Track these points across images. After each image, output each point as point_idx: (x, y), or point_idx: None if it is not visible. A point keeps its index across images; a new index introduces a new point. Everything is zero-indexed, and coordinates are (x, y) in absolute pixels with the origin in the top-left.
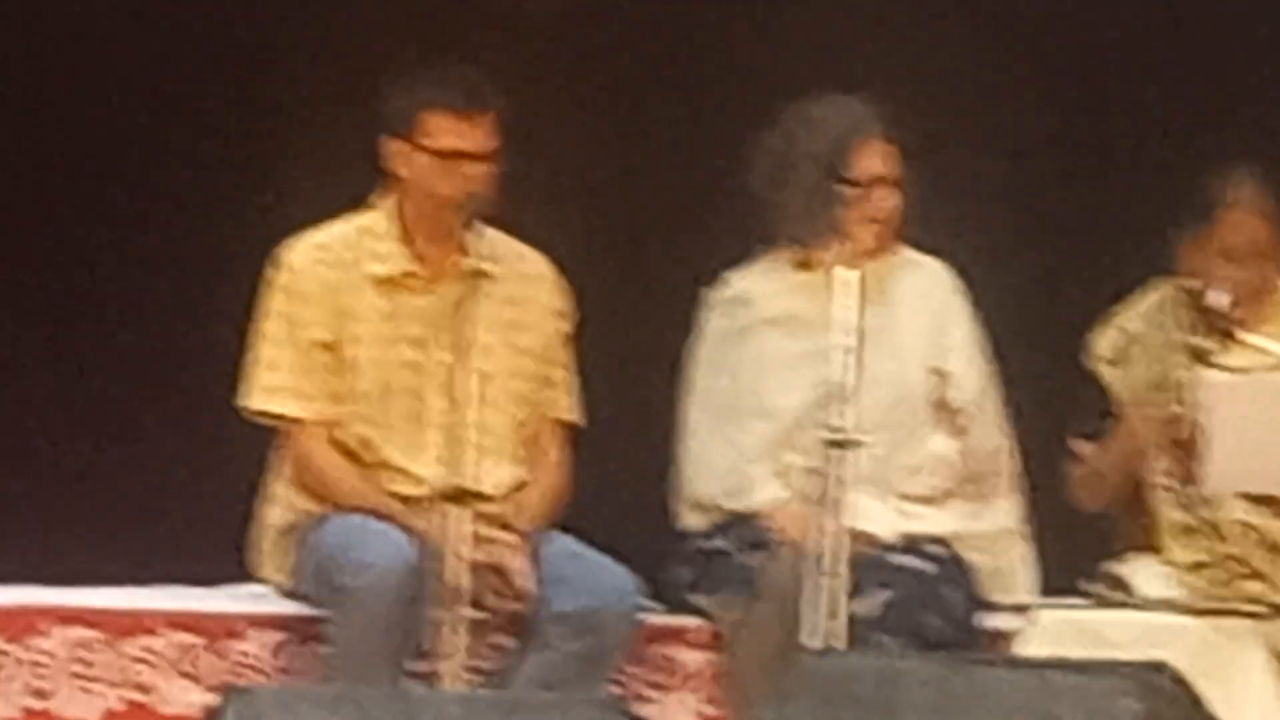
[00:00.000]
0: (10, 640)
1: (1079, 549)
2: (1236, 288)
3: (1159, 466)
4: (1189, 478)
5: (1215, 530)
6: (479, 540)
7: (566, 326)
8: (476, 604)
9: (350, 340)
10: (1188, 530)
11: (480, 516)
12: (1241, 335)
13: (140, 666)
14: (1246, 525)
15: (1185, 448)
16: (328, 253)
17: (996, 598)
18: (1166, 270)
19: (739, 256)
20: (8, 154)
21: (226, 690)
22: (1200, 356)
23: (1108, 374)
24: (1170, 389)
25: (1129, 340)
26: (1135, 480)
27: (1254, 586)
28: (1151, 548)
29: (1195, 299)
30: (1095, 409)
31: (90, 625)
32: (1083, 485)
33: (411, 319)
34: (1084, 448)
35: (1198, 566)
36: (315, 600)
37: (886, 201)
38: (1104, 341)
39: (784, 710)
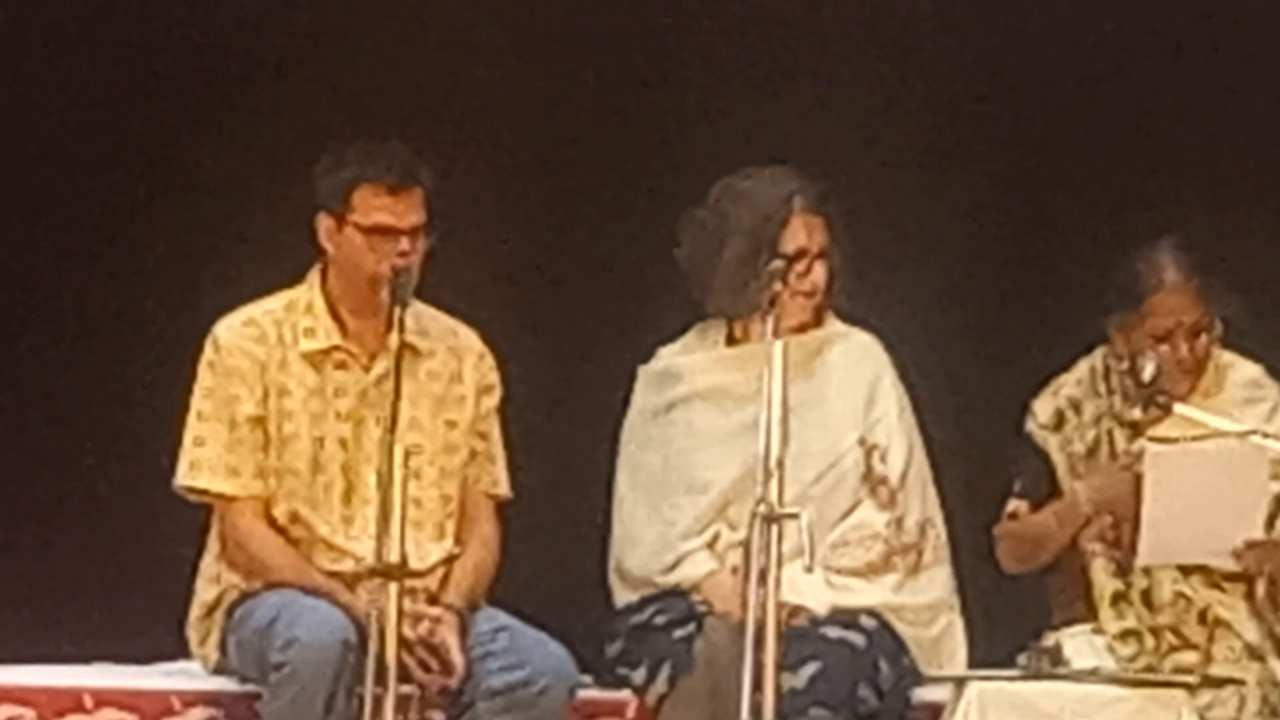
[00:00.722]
0: None
1: (1012, 620)
2: (1170, 368)
3: (1093, 533)
4: (1122, 545)
5: (1148, 600)
6: (410, 615)
7: (496, 401)
8: (408, 679)
9: (281, 416)
10: (1121, 599)
11: (411, 591)
12: (1175, 407)
13: None
14: (1179, 595)
15: (1121, 516)
16: (257, 329)
17: (928, 670)
18: (1103, 338)
19: (669, 331)
20: None
21: None
22: (1136, 428)
23: (1048, 440)
24: (1106, 457)
25: (1069, 407)
26: (1067, 549)
27: (1187, 657)
28: (1085, 618)
29: (1129, 372)
30: (1035, 475)
31: (23, 704)
32: (1009, 546)
33: (341, 394)
34: (1020, 507)
35: (1131, 635)
36: (248, 676)
37: (815, 275)
38: (1044, 408)
39: None
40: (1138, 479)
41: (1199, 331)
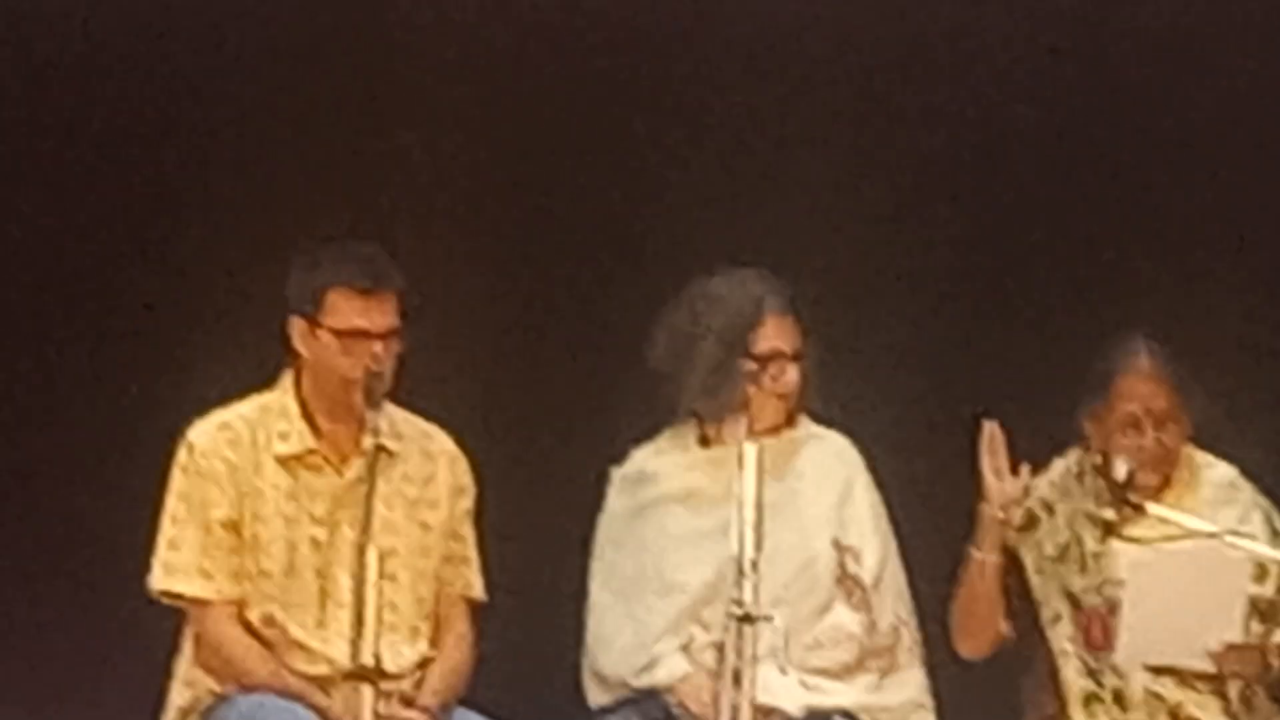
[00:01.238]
0: None
1: (986, 719)
2: (1140, 455)
3: (1063, 632)
4: (1094, 645)
5: (1121, 700)
6: (384, 718)
7: (470, 503)
8: None
9: (254, 519)
10: (1093, 699)
11: (386, 694)
12: (1149, 507)
13: None
14: (1151, 694)
15: (1089, 615)
16: (231, 432)
17: None
18: (1077, 438)
19: (642, 432)
20: None
21: None
22: (1109, 528)
23: (1019, 541)
24: (1078, 558)
25: (1041, 508)
26: (1039, 647)
27: None
28: (1058, 717)
29: (1102, 469)
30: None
31: None
32: (953, 623)
33: (315, 497)
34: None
35: None
36: None
37: (788, 376)
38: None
39: None
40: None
41: (1167, 420)
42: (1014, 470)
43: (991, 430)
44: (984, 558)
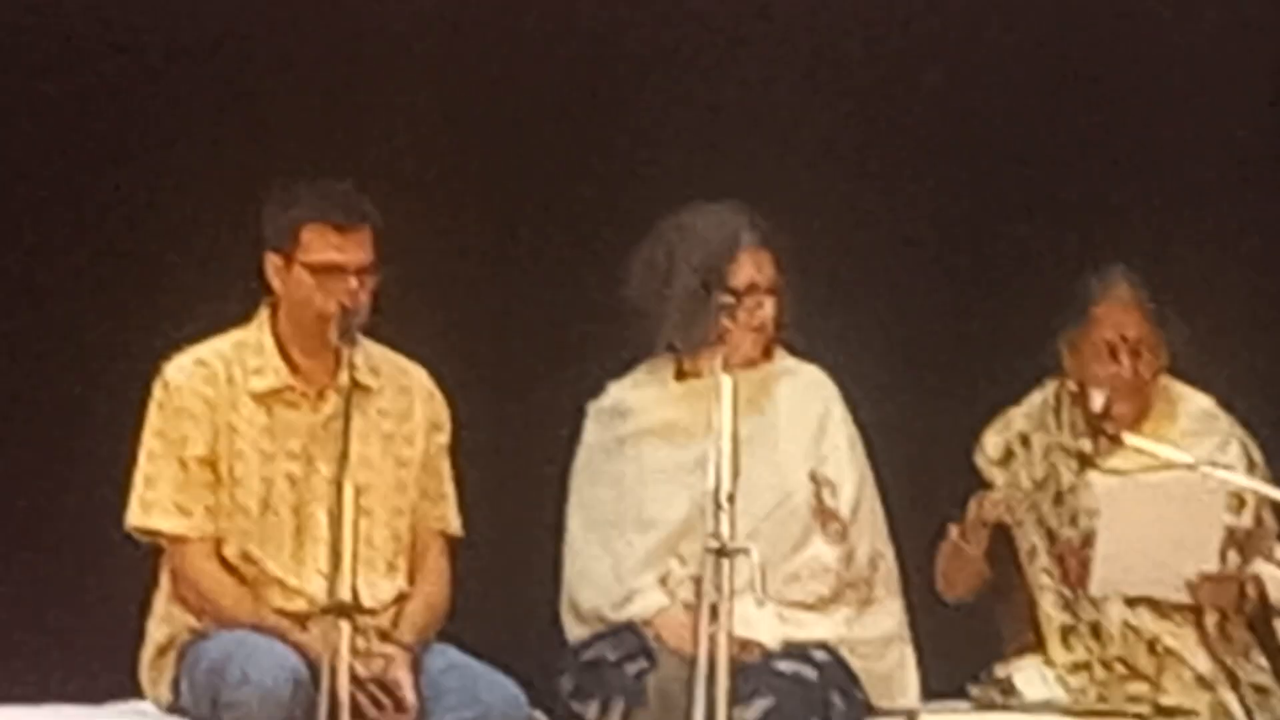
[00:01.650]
0: None
1: (964, 652)
2: (1115, 385)
3: (1040, 566)
4: (1070, 579)
5: (1098, 632)
6: (361, 653)
7: (446, 438)
8: (360, 717)
9: (230, 455)
10: (1070, 631)
11: (363, 630)
12: (1125, 438)
13: None
14: (1128, 626)
15: (1065, 549)
16: (207, 369)
17: (880, 702)
18: (1054, 370)
19: (618, 366)
20: None
21: None
22: (1085, 459)
23: (996, 474)
24: (1055, 490)
25: (1018, 441)
26: (1016, 580)
27: (1138, 687)
28: (1035, 648)
29: (1078, 400)
30: None
31: None
32: (939, 572)
33: (291, 433)
34: (953, 530)
35: (1081, 667)
36: (201, 716)
37: (764, 309)
38: (993, 442)
39: None
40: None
41: (1142, 349)
42: None
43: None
44: (972, 553)
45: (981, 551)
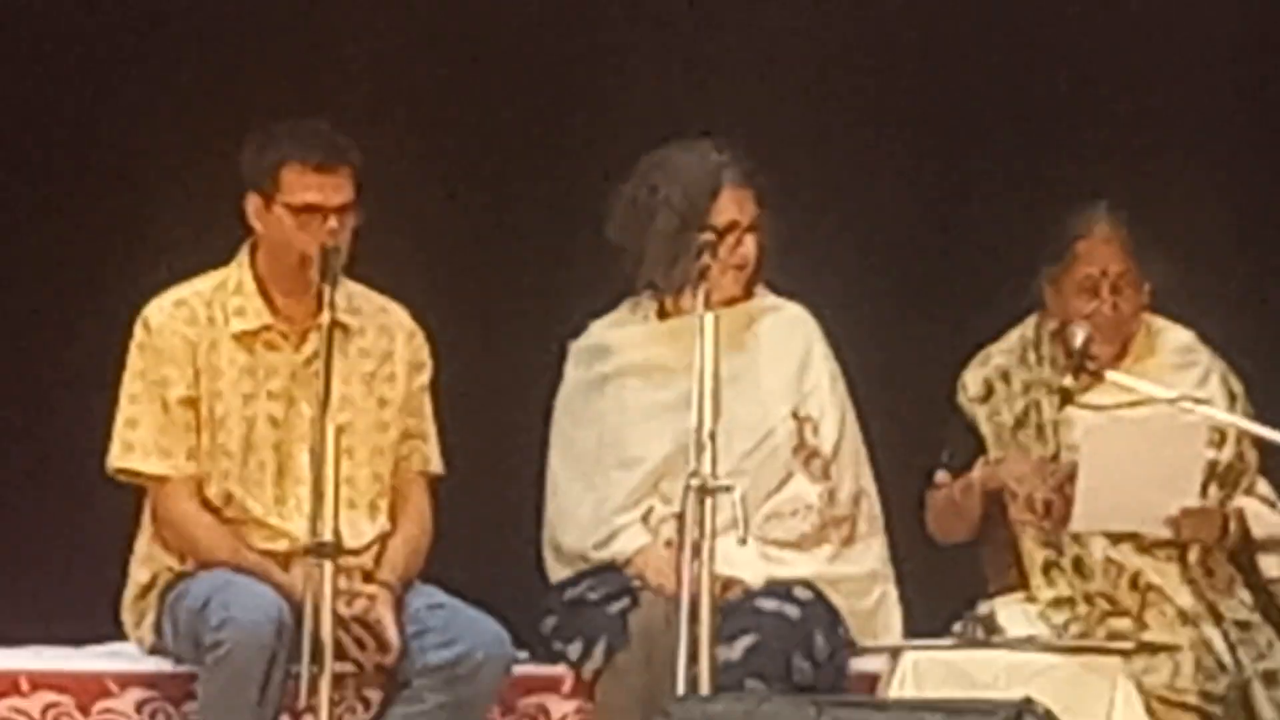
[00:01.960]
0: None
1: (947, 589)
2: (1097, 322)
3: (1024, 504)
4: (1053, 516)
5: (1080, 568)
6: (343, 593)
7: (427, 378)
8: (344, 657)
9: (212, 396)
10: (1053, 568)
11: (345, 570)
12: (1106, 373)
13: None
14: (1110, 562)
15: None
16: (188, 310)
17: (863, 640)
18: (1035, 307)
19: (600, 305)
20: None
21: None
22: (1066, 395)
23: (976, 411)
24: (1036, 426)
25: (998, 377)
26: (999, 518)
27: (1120, 623)
28: (1018, 586)
29: (1059, 336)
30: (962, 447)
31: None
32: (930, 520)
33: (272, 373)
34: (944, 478)
35: (1063, 603)
36: (183, 657)
37: (745, 248)
38: (973, 379)
39: None
40: (1042, 461)
41: (1124, 286)
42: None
43: None
44: (968, 509)
45: (979, 514)
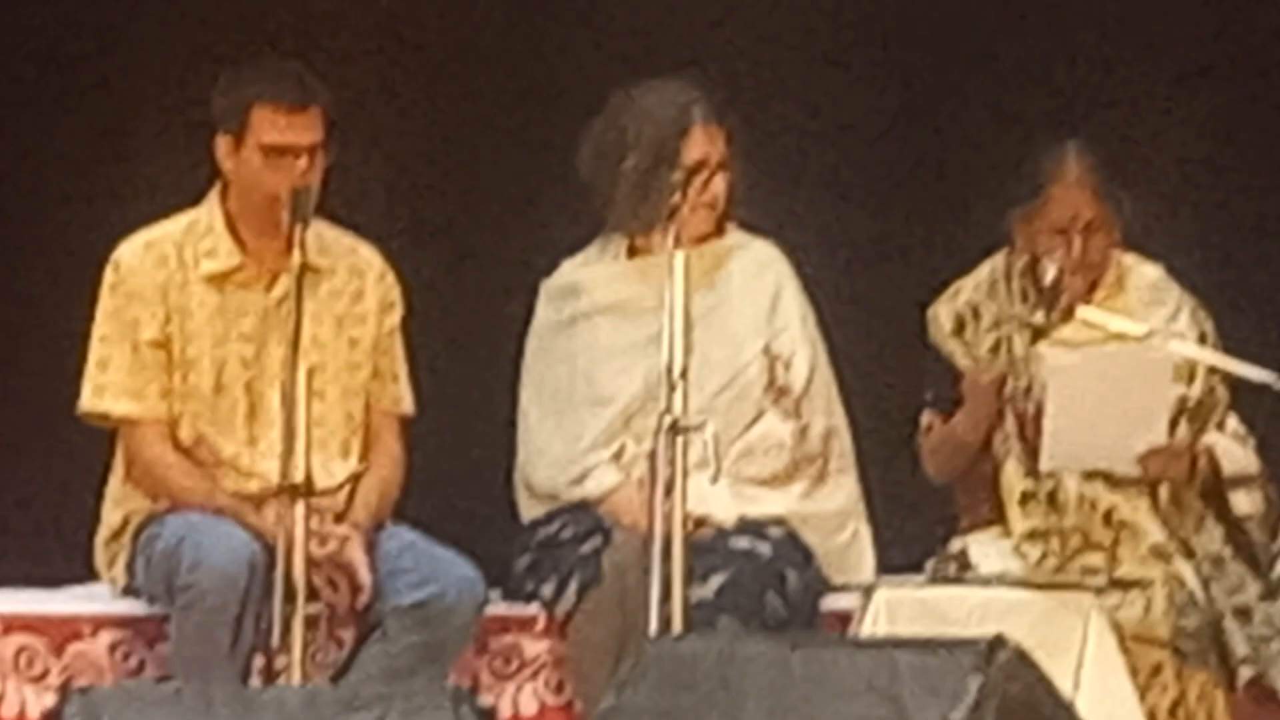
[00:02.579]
0: None
1: (919, 526)
2: (1069, 260)
3: (1004, 433)
4: (1030, 445)
5: (1054, 500)
6: (315, 534)
7: (398, 319)
8: (316, 598)
9: (183, 337)
10: (1030, 498)
11: (317, 511)
12: (1077, 309)
13: None
14: (1083, 497)
15: (1023, 418)
16: (157, 251)
17: (836, 578)
18: (1003, 242)
19: (570, 244)
20: None
21: (67, 691)
22: (1037, 332)
23: (950, 346)
24: (1007, 362)
25: (969, 312)
26: (980, 450)
27: (1093, 558)
28: (992, 520)
29: (1028, 272)
30: (942, 382)
31: None
32: (932, 458)
33: (243, 314)
34: (933, 420)
35: (1038, 536)
36: (156, 598)
37: (715, 185)
38: (945, 313)
39: (625, 695)
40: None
41: (1095, 230)
42: None
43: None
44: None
45: (981, 436)
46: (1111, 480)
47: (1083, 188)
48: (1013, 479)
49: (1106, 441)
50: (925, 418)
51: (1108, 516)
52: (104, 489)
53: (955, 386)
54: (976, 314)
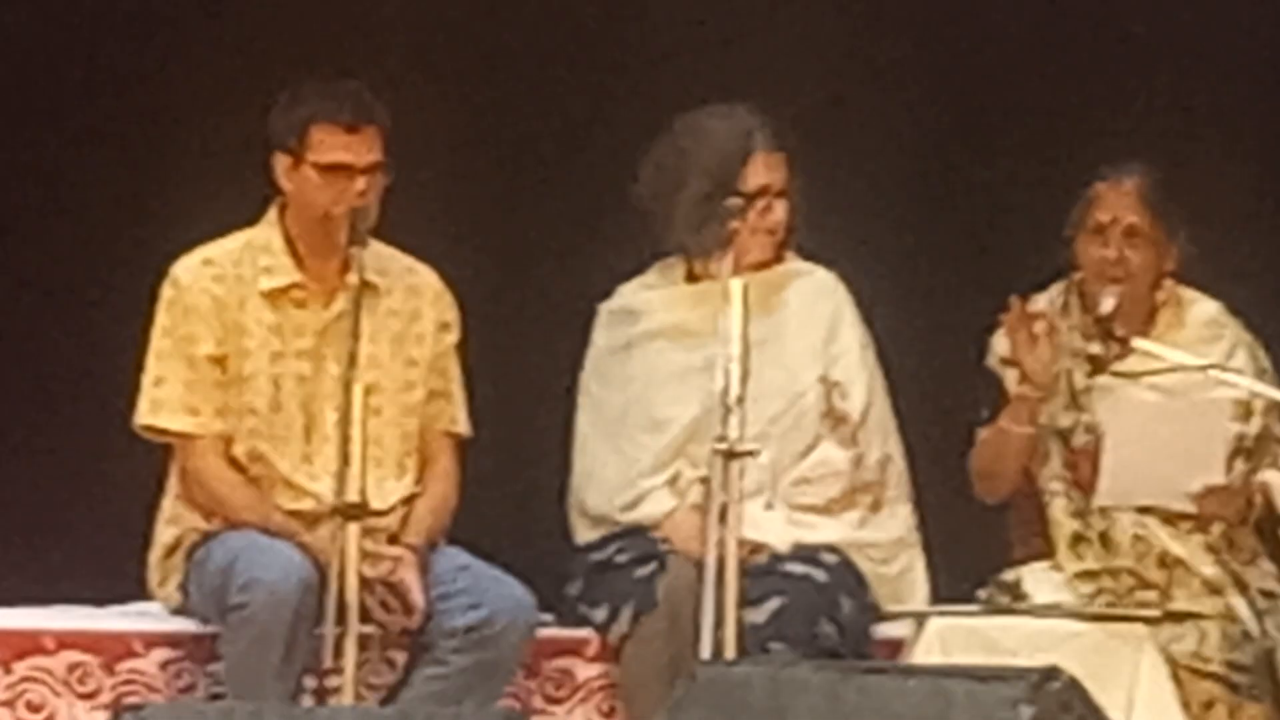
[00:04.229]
0: None
1: (973, 556)
2: (1103, 267)
3: (1052, 472)
4: (1081, 484)
5: (1107, 542)
6: (369, 555)
7: (454, 339)
8: (368, 619)
9: (240, 354)
10: (1080, 540)
11: (370, 530)
12: (1134, 341)
13: (33, 686)
14: (1138, 538)
15: (1078, 454)
16: (216, 267)
17: (889, 606)
18: (1063, 271)
19: (629, 268)
20: None
21: (119, 709)
22: (1096, 363)
23: (1005, 374)
24: (1068, 394)
25: None
26: (1026, 487)
27: (1147, 595)
28: (1045, 555)
29: (1087, 302)
30: (995, 401)
31: None
32: (975, 472)
33: (300, 332)
34: (982, 432)
35: (1091, 576)
36: (208, 617)
37: (775, 212)
38: (1002, 342)
39: (676, 719)
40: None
41: (1137, 238)
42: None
43: (1014, 305)
44: (1021, 431)
45: (1028, 440)
46: (1164, 517)
47: (1129, 194)
48: (1061, 518)
49: (1163, 478)
50: (980, 435)
51: (1163, 558)
52: (157, 508)
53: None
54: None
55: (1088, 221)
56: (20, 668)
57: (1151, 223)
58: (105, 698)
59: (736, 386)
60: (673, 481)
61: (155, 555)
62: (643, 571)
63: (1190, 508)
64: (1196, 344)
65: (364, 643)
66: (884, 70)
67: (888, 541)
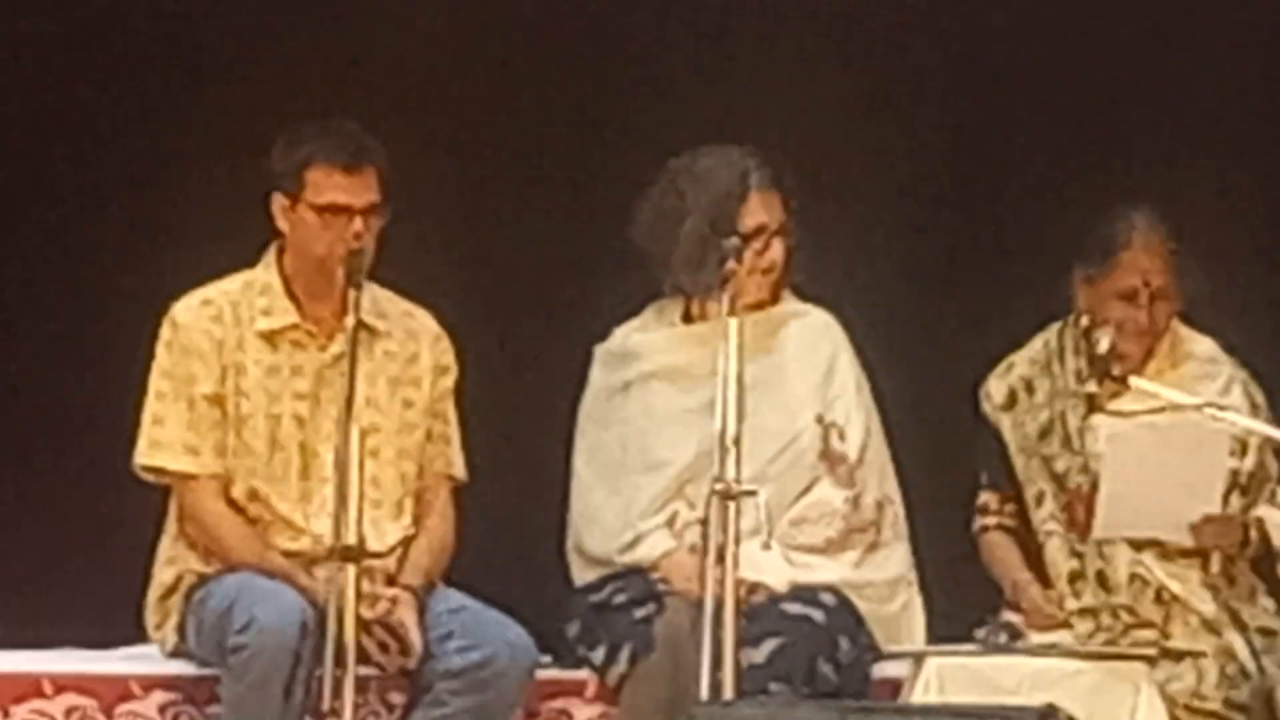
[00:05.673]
0: None
1: (971, 596)
2: (1128, 328)
3: (1048, 512)
4: (1076, 526)
5: (1104, 580)
6: (368, 597)
7: (452, 382)
8: (367, 660)
9: (238, 394)
10: (1078, 578)
11: (369, 572)
12: (1130, 379)
13: None
14: (1135, 576)
15: (1074, 495)
16: (214, 308)
17: (887, 645)
18: (1059, 314)
19: (625, 309)
20: None
21: None
22: (1093, 402)
23: (1001, 420)
24: (1062, 437)
25: (1022, 386)
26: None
27: (1144, 634)
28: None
29: (1084, 342)
30: (995, 461)
31: None
32: (983, 558)
33: (298, 373)
34: (989, 500)
35: (1088, 614)
36: (207, 660)
37: (772, 252)
38: (996, 388)
39: None
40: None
41: (1162, 297)
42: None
43: None
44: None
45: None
46: (1162, 551)
47: (1156, 255)
48: (1058, 558)
49: (1160, 510)
50: (982, 498)
51: (1159, 595)
52: (155, 549)
53: (1005, 462)
54: (1030, 388)
55: (1114, 284)
56: (19, 711)
57: (1173, 278)
58: None
59: (733, 427)
60: (670, 522)
61: (153, 596)
62: (641, 612)
63: (1187, 540)
64: (1192, 381)
65: (362, 684)
66: (881, 111)
67: (885, 581)
